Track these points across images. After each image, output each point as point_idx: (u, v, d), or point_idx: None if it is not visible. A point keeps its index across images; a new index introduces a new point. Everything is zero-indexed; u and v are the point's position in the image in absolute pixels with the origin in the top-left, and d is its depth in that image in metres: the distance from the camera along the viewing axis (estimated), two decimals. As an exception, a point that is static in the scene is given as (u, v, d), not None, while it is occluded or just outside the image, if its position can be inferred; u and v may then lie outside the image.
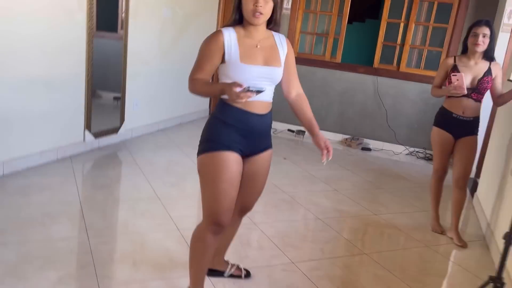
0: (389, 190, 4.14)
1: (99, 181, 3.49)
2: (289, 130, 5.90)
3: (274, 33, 1.89)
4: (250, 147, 1.87)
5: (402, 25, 5.49)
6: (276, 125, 5.85)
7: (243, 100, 1.60)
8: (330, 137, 5.84)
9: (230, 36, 1.77)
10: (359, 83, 5.70)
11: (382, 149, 5.63)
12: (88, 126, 4.04)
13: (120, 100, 4.54)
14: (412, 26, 5.40)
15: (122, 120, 4.55)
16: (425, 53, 5.48)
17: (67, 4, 3.59)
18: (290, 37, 5.82)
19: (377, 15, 7.65)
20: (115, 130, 4.48)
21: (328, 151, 1.91)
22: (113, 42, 4.48)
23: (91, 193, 3.28)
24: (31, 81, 3.39)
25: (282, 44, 1.88)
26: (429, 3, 5.36)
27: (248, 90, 1.59)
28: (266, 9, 1.73)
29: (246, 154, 1.88)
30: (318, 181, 4.15)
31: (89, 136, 4.07)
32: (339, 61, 5.79)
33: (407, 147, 5.57)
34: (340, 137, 5.84)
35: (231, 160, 1.79)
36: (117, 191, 3.36)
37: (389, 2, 5.46)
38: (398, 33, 5.55)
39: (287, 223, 3.13)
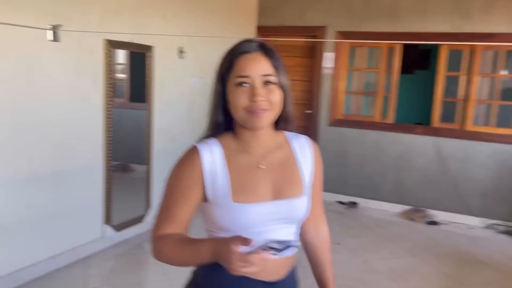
0: (474, 287, 3.28)
1: (115, 294, 2.89)
2: (339, 202, 5.15)
3: (288, 134, 1.20)
4: None
5: (464, 77, 4.77)
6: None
7: (255, 269, 0.91)
8: (387, 209, 5.05)
9: (212, 156, 1.10)
10: (417, 145, 4.95)
11: (452, 222, 4.75)
12: (108, 219, 3.52)
13: (145, 182, 4.03)
14: (475, 78, 4.67)
15: (147, 205, 4.01)
16: (494, 108, 4.70)
17: (79, 87, 3.19)
18: (334, 99, 5.23)
19: (426, 66, 7.00)
20: (140, 219, 3.93)
21: None
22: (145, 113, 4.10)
23: (101, 317, 2.67)
24: (36, 177, 2.93)
25: (304, 153, 1.18)
26: (494, 51, 4.64)
27: (268, 248, 0.91)
28: (273, 101, 1.06)
29: None
30: (382, 277, 3.36)
31: (109, 230, 3.54)
32: (392, 121, 5.11)
33: (483, 218, 4.67)
34: (399, 208, 5.02)
35: None
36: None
37: (446, 53, 4.79)
38: (458, 87, 4.83)
39: None
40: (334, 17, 5.11)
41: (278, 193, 1.11)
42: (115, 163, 4.85)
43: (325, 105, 5.28)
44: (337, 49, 5.14)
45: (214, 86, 1.13)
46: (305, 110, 5.32)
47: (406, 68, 6.74)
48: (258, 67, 1.06)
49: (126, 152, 4.52)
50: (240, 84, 1.06)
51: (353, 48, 5.22)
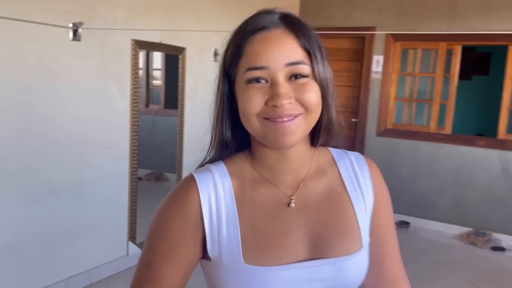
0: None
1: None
2: (387, 220, 4.64)
3: (333, 152, 0.81)
4: None
5: (535, 83, 4.18)
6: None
7: None
8: (443, 230, 4.50)
9: (216, 191, 0.72)
10: (479, 159, 4.38)
11: (521, 249, 4.15)
12: (132, 236, 3.22)
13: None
14: (550, 83, 4.08)
15: (178, 221, 3.70)
16: None
17: (103, 91, 2.92)
18: (383, 107, 4.75)
19: (486, 71, 6.38)
20: (169, 235, 3.62)
21: None
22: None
23: None
24: (55, 190, 2.67)
25: (358, 179, 0.79)
26: None
27: None
28: (307, 102, 0.68)
29: None
30: (443, 315, 2.86)
31: (133, 248, 3.24)
32: (449, 132, 4.56)
33: (559, 245, 4.04)
34: (457, 229, 4.46)
35: None
36: None
37: (514, 55, 4.22)
38: (529, 93, 4.24)
39: None
40: (384, 17, 4.65)
41: (319, 248, 0.72)
42: (148, 171, 4.62)
43: (373, 113, 4.81)
44: (387, 51, 4.67)
45: (217, 85, 0.75)
46: (351, 119, 4.87)
47: (462, 74, 6.16)
48: (280, 52, 0.68)
49: (160, 161, 4.30)
50: (253, 80, 0.68)
51: (405, 50, 4.73)
